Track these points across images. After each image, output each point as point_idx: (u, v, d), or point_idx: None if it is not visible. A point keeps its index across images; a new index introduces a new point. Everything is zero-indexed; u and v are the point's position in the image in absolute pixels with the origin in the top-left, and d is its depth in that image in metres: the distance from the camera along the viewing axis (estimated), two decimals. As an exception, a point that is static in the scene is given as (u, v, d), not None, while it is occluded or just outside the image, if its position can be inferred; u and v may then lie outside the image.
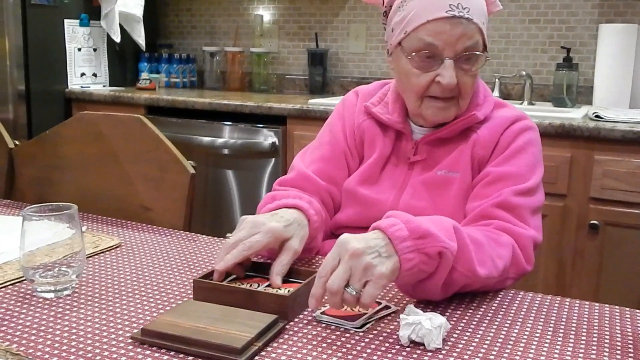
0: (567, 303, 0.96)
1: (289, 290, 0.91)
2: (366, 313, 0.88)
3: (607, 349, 0.81)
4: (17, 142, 1.68)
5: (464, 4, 1.08)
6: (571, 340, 0.83)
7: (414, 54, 1.12)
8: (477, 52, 1.11)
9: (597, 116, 2.05)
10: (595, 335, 0.85)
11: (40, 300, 0.93)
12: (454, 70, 1.10)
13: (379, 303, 0.92)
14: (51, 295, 0.94)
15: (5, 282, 0.98)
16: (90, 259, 1.10)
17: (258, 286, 0.95)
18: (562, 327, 0.88)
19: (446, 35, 1.09)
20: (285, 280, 0.97)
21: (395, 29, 1.15)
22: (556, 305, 0.95)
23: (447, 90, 1.12)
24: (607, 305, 0.95)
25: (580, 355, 0.79)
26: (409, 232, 0.86)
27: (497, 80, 2.65)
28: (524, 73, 2.58)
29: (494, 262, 0.97)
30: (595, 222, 1.98)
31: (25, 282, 0.98)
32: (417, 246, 0.85)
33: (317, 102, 2.50)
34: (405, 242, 0.85)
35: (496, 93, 2.63)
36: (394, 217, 0.89)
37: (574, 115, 2.12)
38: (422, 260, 0.86)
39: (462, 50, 1.10)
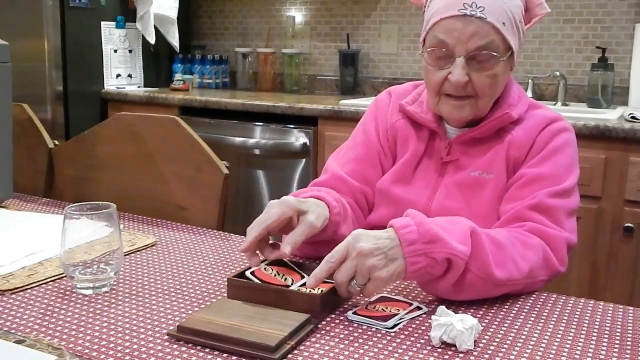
0: (600, 306, 0.96)
1: (321, 290, 0.92)
2: (398, 314, 0.89)
3: (641, 354, 0.81)
4: (56, 142, 1.73)
5: (479, 3, 1.09)
6: (604, 344, 0.83)
7: (430, 49, 1.14)
8: (493, 53, 1.10)
9: (632, 117, 2.02)
10: (629, 339, 0.85)
11: (80, 296, 0.96)
12: (464, 69, 1.10)
13: (411, 304, 0.93)
14: (90, 291, 0.97)
15: (46, 279, 1.01)
16: (126, 256, 1.13)
17: (292, 282, 0.96)
18: (595, 330, 0.87)
19: (457, 33, 1.10)
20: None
21: (423, 27, 1.18)
22: (589, 308, 0.95)
23: (458, 88, 1.12)
24: (641, 309, 0.95)
25: (614, 358, 0.79)
26: (419, 236, 0.89)
27: (530, 80, 2.63)
28: (558, 73, 2.55)
29: (517, 264, 0.97)
30: (630, 224, 1.95)
31: (65, 278, 1.01)
32: (424, 250, 0.89)
33: (349, 103, 2.51)
34: (413, 245, 0.89)
35: (529, 93, 2.61)
36: (408, 218, 0.92)
37: (609, 116, 2.09)
38: (428, 264, 0.90)
39: (474, 49, 1.10)
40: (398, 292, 0.99)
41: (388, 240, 0.89)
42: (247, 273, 0.96)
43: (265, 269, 0.98)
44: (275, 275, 0.96)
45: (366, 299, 0.94)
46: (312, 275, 0.90)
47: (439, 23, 1.12)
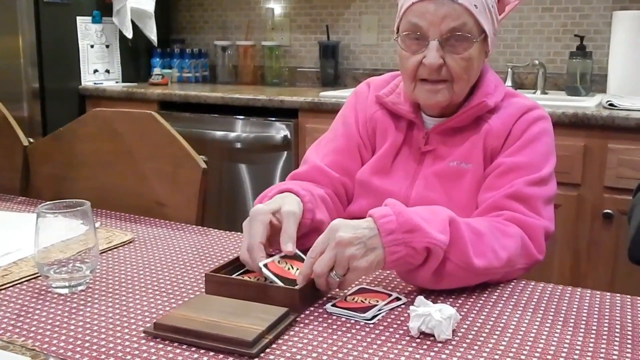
0: (578, 293, 0.96)
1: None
2: (377, 305, 0.89)
3: (617, 339, 0.81)
4: (31, 140, 1.70)
5: None
6: (581, 331, 0.83)
7: (404, 34, 1.15)
8: (467, 35, 1.10)
9: (611, 105, 2.04)
10: (606, 325, 0.85)
11: (55, 296, 0.94)
12: (439, 52, 1.11)
13: (390, 295, 0.93)
14: (65, 290, 0.95)
15: (21, 279, 1.00)
16: (103, 254, 1.12)
17: (265, 280, 0.95)
18: (573, 317, 0.87)
19: (430, 15, 1.10)
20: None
21: (397, 14, 1.19)
22: (567, 295, 0.95)
23: (433, 72, 1.12)
24: (618, 294, 0.95)
25: (591, 345, 0.79)
26: (398, 225, 0.89)
27: (510, 69, 2.63)
28: (537, 62, 2.56)
29: (496, 253, 0.97)
30: (609, 211, 1.96)
31: (40, 278, 1.00)
32: (404, 240, 0.88)
33: (329, 95, 2.50)
34: (393, 235, 0.88)
35: (509, 82, 2.62)
36: (388, 207, 0.91)
37: (588, 104, 2.10)
38: (408, 253, 0.89)
39: (447, 32, 1.10)
40: (377, 283, 0.99)
41: (367, 229, 0.89)
42: (261, 265, 0.92)
43: (279, 261, 0.95)
44: (289, 269, 0.94)
45: (344, 292, 0.94)
46: (300, 273, 0.90)
47: (411, 7, 1.12)
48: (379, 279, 1.01)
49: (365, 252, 0.88)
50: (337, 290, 0.93)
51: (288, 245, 0.96)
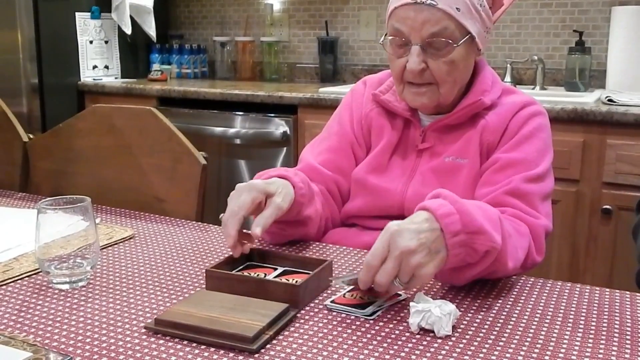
0: (577, 289, 0.96)
1: (296, 281, 0.92)
2: (376, 301, 0.89)
3: (617, 335, 0.81)
4: (31, 136, 1.70)
5: None
6: (581, 326, 0.84)
7: (389, 38, 1.16)
8: (448, 40, 1.10)
9: (609, 100, 2.04)
10: (605, 321, 0.85)
11: (56, 291, 0.94)
12: (420, 57, 1.11)
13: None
14: (66, 286, 0.95)
15: (22, 274, 1.00)
16: (104, 250, 1.12)
17: (265, 276, 0.96)
18: (572, 313, 0.88)
19: (410, 21, 1.11)
20: (296, 271, 0.98)
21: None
22: (566, 291, 0.96)
23: (415, 76, 1.13)
24: (617, 290, 0.95)
25: (590, 340, 0.80)
26: (463, 226, 0.85)
27: (508, 65, 2.64)
28: (536, 57, 2.56)
29: (518, 253, 0.98)
30: (608, 207, 1.97)
31: (40, 274, 1.00)
32: (467, 241, 0.86)
33: (328, 91, 2.50)
34: (458, 237, 0.85)
35: (508, 78, 2.62)
36: (448, 203, 0.87)
37: (587, 99, 2.11)
38: (468, 253, 0.88)
39: (428, 36, 1.11)
40: (377, 279, 0.99)
41: (429, 232, 0.84)
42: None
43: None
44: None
45: (345, 288, 0.94)
46: (360, 281, 0.86)
47: (394, 12, 1.14)
48: (379, 275, 1.01)
49: (431, 258, 0.83)
50: (370, 298, 0.90)
51: (257, 229, 0.98)
